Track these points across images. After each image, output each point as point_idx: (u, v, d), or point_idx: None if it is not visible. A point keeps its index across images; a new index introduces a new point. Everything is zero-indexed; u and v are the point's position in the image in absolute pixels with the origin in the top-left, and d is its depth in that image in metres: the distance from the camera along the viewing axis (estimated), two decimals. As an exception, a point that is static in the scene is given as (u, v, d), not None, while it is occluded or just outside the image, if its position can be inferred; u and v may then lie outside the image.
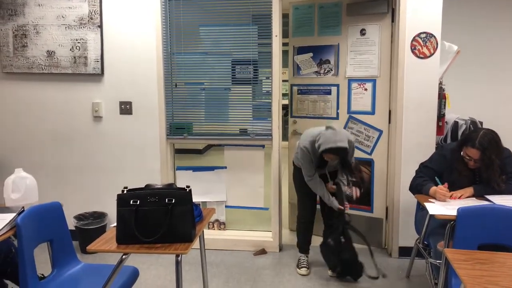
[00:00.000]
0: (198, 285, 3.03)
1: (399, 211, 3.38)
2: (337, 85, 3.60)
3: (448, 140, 3.50)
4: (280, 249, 3.62)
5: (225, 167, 3.66)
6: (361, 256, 3.03)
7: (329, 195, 3.02)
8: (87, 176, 3.70)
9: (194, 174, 3.69)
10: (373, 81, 3.46)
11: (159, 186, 2.09)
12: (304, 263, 3.21)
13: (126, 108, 3.59)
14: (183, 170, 3.70)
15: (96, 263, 2.72)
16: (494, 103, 4.17)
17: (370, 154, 3.54)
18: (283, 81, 3.60)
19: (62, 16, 3.51)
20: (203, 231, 2.41)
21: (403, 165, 3.33)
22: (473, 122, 3.51)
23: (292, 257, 3.46)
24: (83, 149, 3.68)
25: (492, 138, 2.51)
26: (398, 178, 3.35)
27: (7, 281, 2.54)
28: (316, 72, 3.68)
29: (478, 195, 2.61)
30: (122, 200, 1.99)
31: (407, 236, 3.34)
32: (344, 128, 3.59)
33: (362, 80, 3.50)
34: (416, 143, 3.30)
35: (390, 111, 3.42)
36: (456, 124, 3.50)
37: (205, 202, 3.68)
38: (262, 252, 3.56)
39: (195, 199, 3.47)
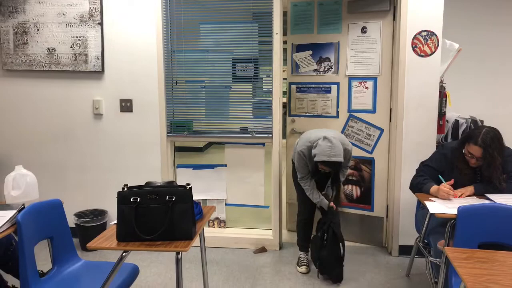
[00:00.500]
0: (198, 282, 3.03)
1: (399, 210, 3.38)
2: (337, 84, 3.59)
3: (449, 139, 3.49)
4: (280, 247, 3.62)
5: (226, 165, 3.66)
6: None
7: (318, 195, 3.02)
8: (88, 174, 3.70)
9: (194, 172, 3.69)
10: (374, 79, 3.45)
11: (160, 184, 2.09)
12: (304, 261, 3.21)
13: (126, 105, 3.59)
14: (184, 168, 3.70)
15: (96, 261, 2.71)
16: (495, 101, 4.17)
17: (370, 152, 3.54)
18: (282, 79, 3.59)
19: (63, 13, 3.51)
20: (203, 229, 2.42)
21: (403, 163, 3.33)
22: (474, 121, 3.50)
23: (292, 255, 3.46)
24: (83, 147, 3.68)
25: (495, 135, 2.50)
26: (398, 176, 3.35)
27: (7, 279, 2.55)
28: (315, 70, 3.67)
29: (479, 193, 2.61)
30: (123, 197, 1.99)
31: (407, 234, 3.35)
32: (345, 127, 3.59)
33: (363, 78, 3.49)
34: (416, 141, 3.30)
35: (391, 110, 3.42)
36: (457, 123, 3.49)
37: (206, 200, 3.69)
38: (262, 250, 3.57)
39: (196, 197, 3.50)
